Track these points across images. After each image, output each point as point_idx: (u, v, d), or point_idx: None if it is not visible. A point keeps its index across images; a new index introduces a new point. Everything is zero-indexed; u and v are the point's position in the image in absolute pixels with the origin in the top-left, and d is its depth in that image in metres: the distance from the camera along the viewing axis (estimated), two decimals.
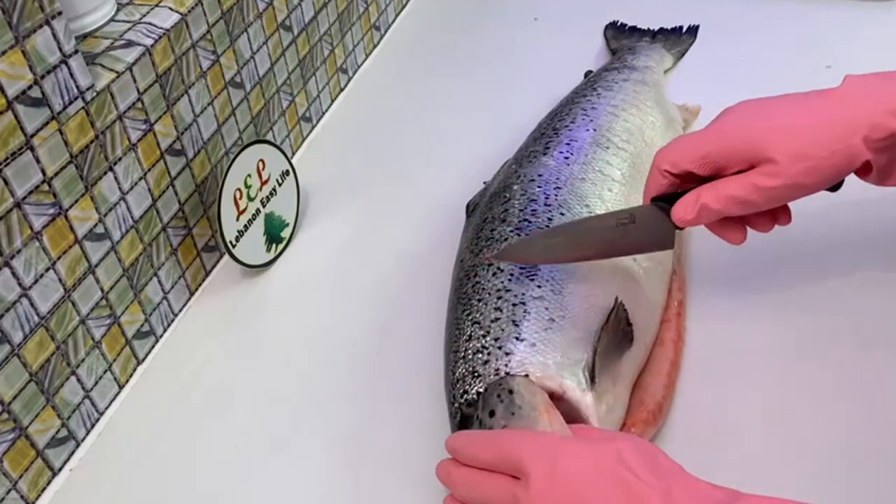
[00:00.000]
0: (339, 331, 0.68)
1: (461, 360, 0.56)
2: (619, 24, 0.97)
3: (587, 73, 0.86)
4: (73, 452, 0.61)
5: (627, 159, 0.69)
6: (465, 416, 0.53)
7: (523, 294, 0.57)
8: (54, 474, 0.60)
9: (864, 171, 0.53)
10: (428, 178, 0.82)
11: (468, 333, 0.56)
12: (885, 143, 0.50)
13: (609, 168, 0.67)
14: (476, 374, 0.54)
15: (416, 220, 0.77)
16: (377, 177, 0.84)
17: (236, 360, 0.68)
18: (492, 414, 0.51)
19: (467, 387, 0.54)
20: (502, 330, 0.55)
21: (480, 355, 0.55)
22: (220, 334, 0.70)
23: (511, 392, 0.51)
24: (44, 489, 0.59)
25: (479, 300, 0.58)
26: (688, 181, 0.55)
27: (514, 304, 0.56)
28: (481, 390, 0.53)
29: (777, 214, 0.56)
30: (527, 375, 0.53)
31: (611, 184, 0.66)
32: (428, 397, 0.61)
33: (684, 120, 0.80)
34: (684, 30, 0.94)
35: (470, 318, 0.57)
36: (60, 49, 0.54)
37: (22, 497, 0.57)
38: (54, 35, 0.53)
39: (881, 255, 0.67)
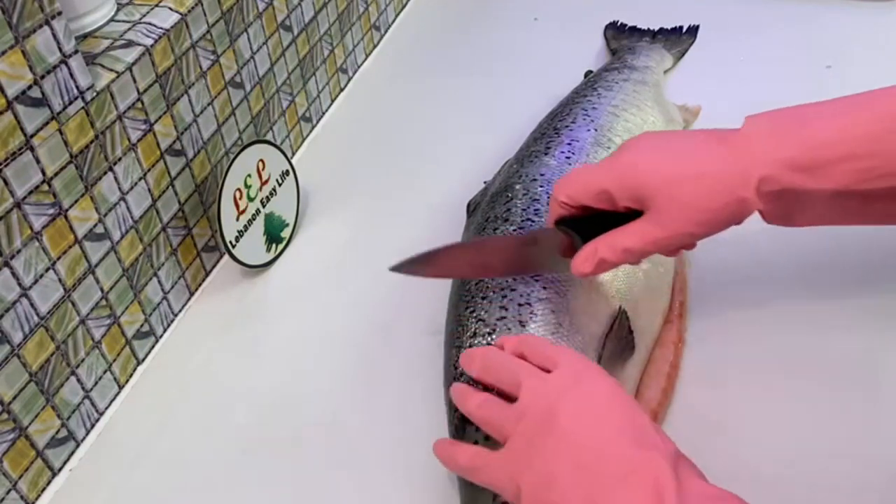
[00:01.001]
0: (339, 331, 0.68)
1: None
2: (619, 24, 0.97)
3: (587, 73, 0.86)
4: (73, 452, 0.61)
5: None
6: (463, 418, 0.53)
7: (529, 294, 0.57)
8: (54, 474, 0.60)
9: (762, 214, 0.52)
10: (428, 178, 0.82)
11: (472, 330, 0.56)
12: (777, 195, 0.49)
13: None
14: None
15: (416, 220, 0.77)
16: (377, 177, 0.84)
17: (236, 360, 0.68)
18: None
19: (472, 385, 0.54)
20: (509, 329, 0.55)
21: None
22: (220, 334, 0.70)
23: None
24: (44, 489, 0.59)
25: (484, 298, 0.58)
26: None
27: (519, 304, 0.56)
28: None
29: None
30: None
31: None
32: (428, 397, 0.61)
33: (684, 120, 0.80)
34: (684, 30, 0.94)
35: (474, 315, 0.57)
36: (60, 49, 0.54)
37: (22, 497, 0.57)
38: (54, 35, 0.53)
39: (883, 257, 0.67)
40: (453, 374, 0.56)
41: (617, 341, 0.55)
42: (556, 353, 0.49)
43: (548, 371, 0.48)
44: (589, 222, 0.54)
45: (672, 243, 0.52)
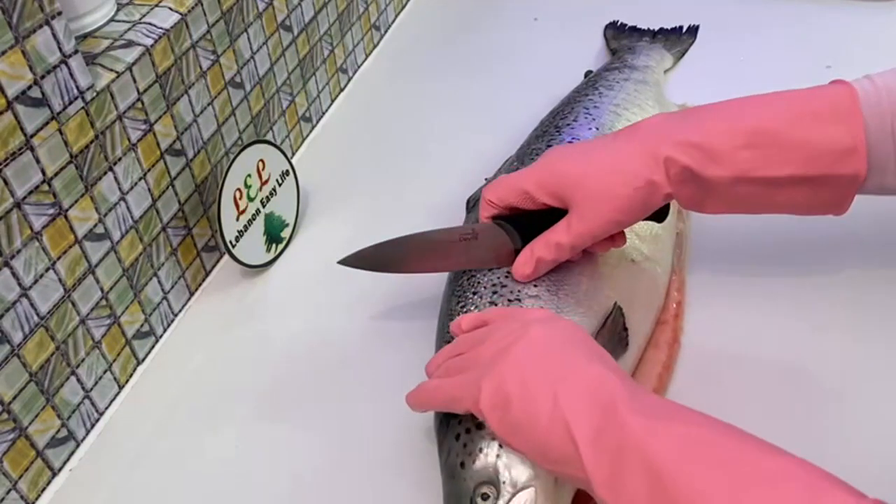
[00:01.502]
0: (339, 330, 0.68)
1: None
2: (619, 24, 0.97)
3: (587, 73, 0.86)
4: (73, 452, 0.61)
5: None
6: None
7: (519, 291, 0.57)
8: (54, 474, 0.60)
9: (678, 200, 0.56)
10: (428, 178, 0.82)
11: None
12: (682, 177, 0.54)
13: None
14: None
15: (416, 220, 0.77)
16: (377, 176, 0.84)
17: (236, 360, 0.68)
18: (479, 426, 0.51)
19: None
20: None
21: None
22: (220, 334, 0.70)
23: None
24: (44, 489, 0.59)
25: (475, 293, 0.58)
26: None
27: (509, 301, 0.57)
28: None
29: (612, 237, 0.58)
30: None
31: None
32: None
33: None
34: (684, 30, 0.94)
35: (465, 310, 0.58)
36: (60, 49, 0.54)
37: (22, 497, 0.57)
38: (54, 35, 0.53)
39: (880, 259, 0.67)
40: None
41: (609, 337, 0.55)
42: (518, 309, 0.54)
43: None
44: (521, 220, 0.59)
45: (599, 232, 0.56)
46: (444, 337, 0.57)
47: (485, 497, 0.47)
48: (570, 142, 0.69)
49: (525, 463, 0.47)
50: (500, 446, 0.48)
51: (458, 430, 0.50)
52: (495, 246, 0.59)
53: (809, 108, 0.53)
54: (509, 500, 0.47)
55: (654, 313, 0.62)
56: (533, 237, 0.58)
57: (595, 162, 0.55)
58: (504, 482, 0.47)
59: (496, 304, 0.57)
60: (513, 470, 0.47)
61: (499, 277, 0.58)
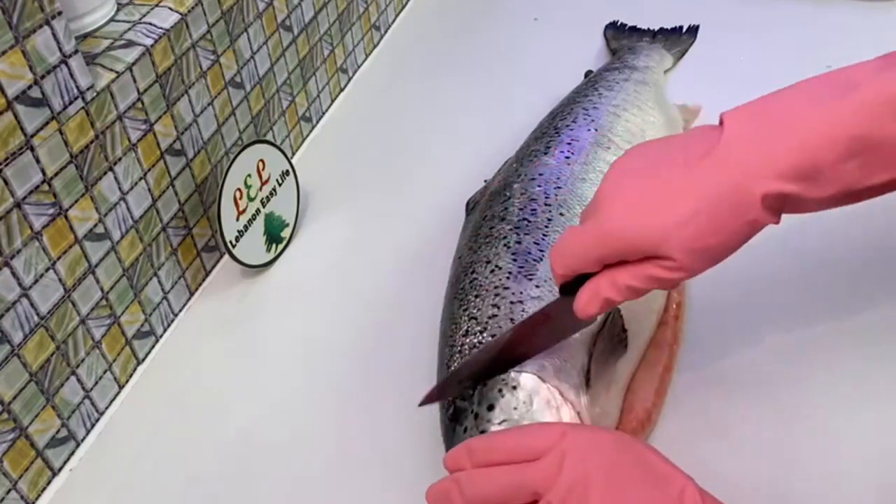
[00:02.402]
0: (339, 330, 0.68)
1: (457, 354, 0.56)
2: (619, 24, 0.97)
3: (587, 73, 0.86)
4: (73, 452, 0.61)
5: None
6: (458, 410, 0.53)
7: (521, 293, 0.57)
8: (54, 474, 0.60)
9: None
10: (428, 178, 0.82)
11: (465, 329, 0.56)
12: (782, 205, 0.46)
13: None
14: None
15: (416, 220, 0.77)
16: (377, 176, 0.84)
17: (236, 360, 0.68)
18: (490, 408, 0.51)
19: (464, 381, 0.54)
20: (500, 327, 0.55)
21: (477, 351, 0.55)
22: (220, 334, 0.70)
23: (515, 388, 0.51)
24: (44, 489, 0.59)
25: (477, 296, 0.58)
26: None
27: (511, 303, 0.56)
28: (480, 385, 0.53)
29: None
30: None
31: None
32: None
33: (685, 120, 0.80)
34: (684, 30, 0.94)
35: (467, 313, 0.57)
36: (60, 49, 0.54)
37: (22, 497, 0.57)
38: (54, 35, 0.53)
39: (883, 259, 0.67)
40: (445, 372, 0.56)
41: (609, 339, 0.55)
42: (522, 438, 0.46)
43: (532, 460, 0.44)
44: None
45: (684, 278, 0.48)
46: (448, 341, 0.57)
47: None
48: (568, 143, 0.69)
49: None
50: None
51: (465, 438, 0.50)
52: (571, 319, 0.50)
53: None
54: None
55: (655, 314, 0.62)
56: None
57: (674, 209, 0.45)
58: None
59: (498, 307, 0.56)
60: None
61: (501, 280, 0.58)
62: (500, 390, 0.51)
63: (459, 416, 0.52)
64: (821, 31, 0.94)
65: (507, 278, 0.58)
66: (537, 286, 0.57)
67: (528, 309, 0.56)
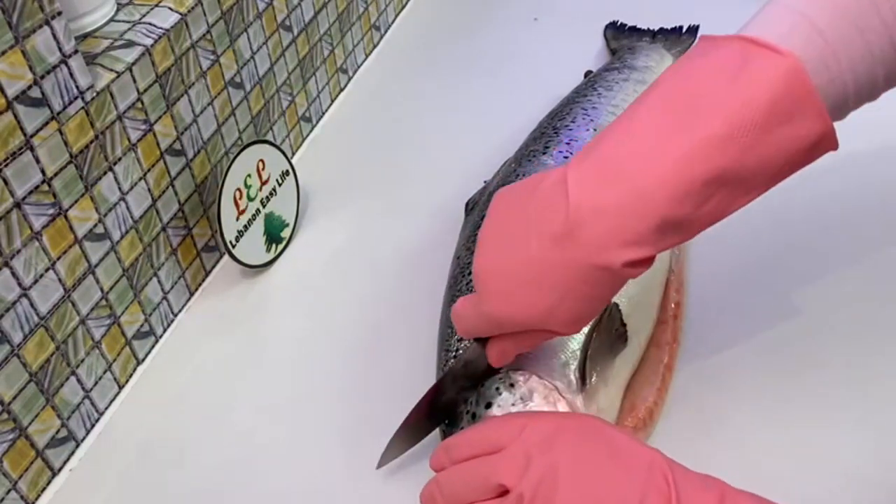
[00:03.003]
0: (339, 331, 0.68)
1: (452, 359, 0.56)
2: (619, 24, 0.97)
3: (587, 73, 0.86)
4: (73, 452, 0.61)
5: None
6: (454, 415, 0.53)
7: None
8: (54, 474, 0.60)
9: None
10: (428, 178, 0.82)
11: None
12: (646, 260, 0.44)
13: None
14: None
15: (416, 220, 0.77)
16: (377, 177, 0.84)
17: (236, 360, 0.68)
18: (488, 405, 0.51)
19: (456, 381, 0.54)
20: None
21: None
22: (220, 334, 0.70)
23: (512, 385, 0.51)
24: (44, 489, 0.59)
25: None
26: None
27: None
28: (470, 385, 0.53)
29: None
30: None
31: None
32: None
33: None
34: (684, 30, 0.94)
35: None
36: (60, 49, 0.54)
37: (22, 497, 0.57)
38: (54, 35, 0.53)
39: (881, 259, 0.67)
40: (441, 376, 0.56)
41: (607, 334, 0.55)
42: (485, 430, 0.47)
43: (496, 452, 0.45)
44: None
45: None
46: (444, 345, 0.57)
47: None
48: (567, 143, 0.69)
49: None
50: None
51: None
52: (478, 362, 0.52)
53: (757, 114, 0.41)
54: None
55: (654, 313, 0.62)
56: None
57: (546, 297, 0.44)
58: None
59: None
60: None
61: None
62: (497, 388, 0.52)
63: (455, 419, 0.53)
64: None
65: None
66: None
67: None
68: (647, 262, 0.44)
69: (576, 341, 0.55)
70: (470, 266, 0.61)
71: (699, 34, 0.94)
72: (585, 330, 0.55)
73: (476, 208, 0.68)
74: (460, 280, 0.60)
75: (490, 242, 0.48)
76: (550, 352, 0.54)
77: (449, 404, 0.55)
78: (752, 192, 0.43)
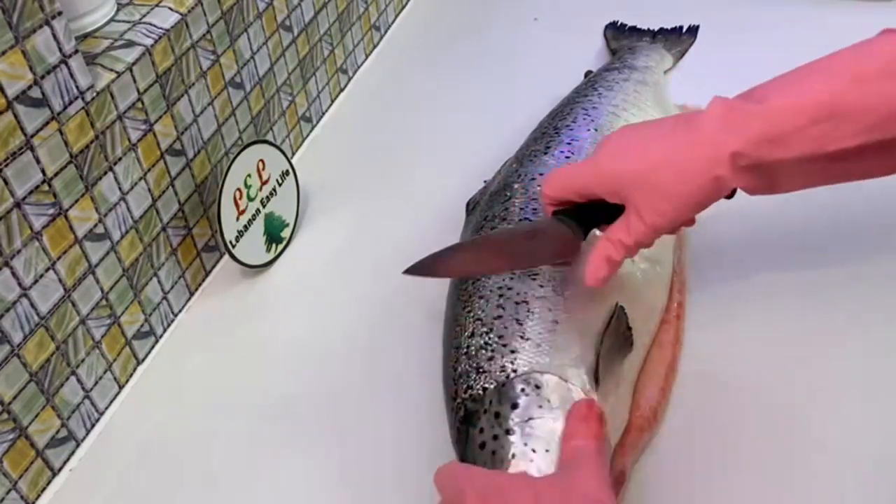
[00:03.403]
0: (339, 331, 0.68)
1: (463, 357, 0.55)
2: (619, 24, 0.97)
3: (587, 73, 0.86)
4: (73, 452, 0.61)
5: None
6: (469, 412, 0.53)
7: (526, 293, 0.57)
8: (54, 474, 0.60)
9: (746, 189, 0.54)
10: (428, 178, 0.82)
11: (470, 330, 0.56)
12: (748, 168, 0.51)
13: None
14: (481, 370, 0.54)
15: (416, 220, 0.77)
16: (377, 176, 0.84)
17: (236, 360, 0.68)
18: (514, 406, 0.51)
19: (472, 382, 0.54)
20: (506, 328, 0.55)
21: (484, 352, 0.55)
22: (221, 334, 0.70)
23: (538, 387, 0.52)
24: (44, 489, 0.59)
25: (481, 297, 0.58)
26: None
27: (516, 303, 0.56)
28: (488, 386, 0.53)
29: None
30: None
31: None
32: (428, 398, 0.61)
33: None
34: (684, 30, 0.94)
35: (471, 314, 0.57)
36: (60, 49, 0.54)
37: (22, 497, 0.57)
38: (54, 35, 0.53)
39: (884, 257, 0.67)
40: (452, 375, 0.56)
41: (615, 338, 0.55)
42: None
43: None
44: (583, 211, 0.57)
45: (661, 231, 0.54)
46: (453, 343, 0.57)
47: None
48: (568, 143, 0.69)
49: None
50: (534, 450, 0.49)
51: (482, 439, 0.50)
52: (557, 241, 0.57)
53: (871, 67, 0.50)
54: None
55: (658, 314, 0.62)
56: (594, 226, 0.57)
57: (654, 156, 0.52)
58: None
59: (503, 308, 0.56)
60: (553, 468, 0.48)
61: (504, 280, 0.58)
62: (522, 389, 0.52)
63: (472, 418, 0.52)
64: (821, 31, 0.93)
65: (511, 279, 0.58)
66: (541, 285, 0.57)
67: (533, 308, 0.56)
68: (749, 168, 0.51)
69: (587, 343, 0.55)
70: None
71: (699, 34, 0.94)
72: (597, 333, 0.55)
73: (477, 208, 0.68)
74: (465, 281, 0.60)
75: (619, 130, 0.57)
76: (566, 354, 0.54)
77: (498, 264, 0.58)
78: (851, 138, 0.49)
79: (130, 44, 0.62)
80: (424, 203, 0.78)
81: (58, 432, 0.59)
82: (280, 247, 0.77)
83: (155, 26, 0.64)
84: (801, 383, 0.58)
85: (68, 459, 0.61)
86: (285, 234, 0.77)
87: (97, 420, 0.64)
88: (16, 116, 0.51)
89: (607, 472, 0.48)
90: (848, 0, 0.97)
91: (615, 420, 0.53)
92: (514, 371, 0.53)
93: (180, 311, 0.72)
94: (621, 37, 0.94)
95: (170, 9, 0.65)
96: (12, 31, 0.50)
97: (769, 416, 0.57)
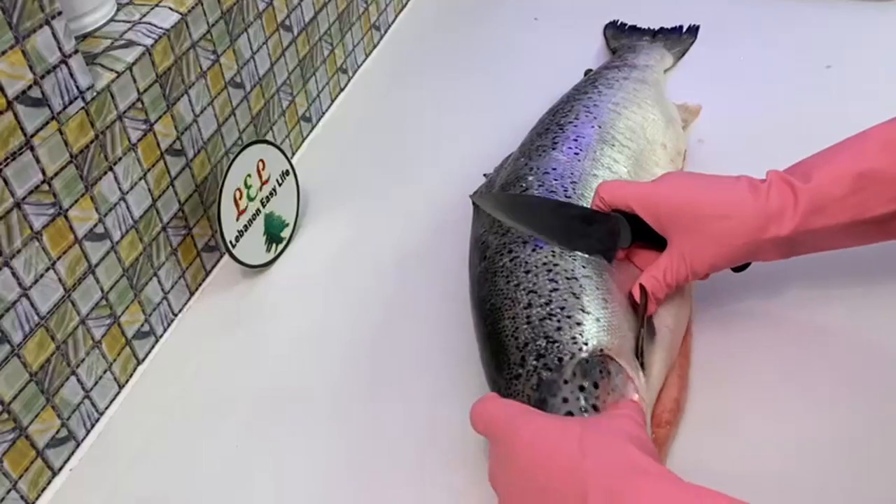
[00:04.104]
0: (339, 330, 0.68)
1: (525, 326, 0.55)
2: (619, 23, 0.97)
3: (587, 72, 0.86)
4: (73, 452, 0.61)
5: (632, 156, 0.69)
6: (546, 381, 0.53)
7: (572, 270, 0.58)
8: (54, 474, 0.60)
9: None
10: (428, 178, 0.82)
11: (526, 301, 0.56)
12: (790, 241, 0.55)
13: (616, 165, 0.68)
14: (551, 340, 0.54)
15: (416, 220, 0.77)
16: (377, 176, 0.84)
17: (236, 360, 0.68)
18: (596, 386, 0.51)
19: (544, 351, 0.54)
20: (565, 300, 0.56)
21: (550, 322, 0.55)
22: (220, 334, 0.70)
23: (609, 374, 0.52)
24: (44, 489, 0.59)
25: (527, 272, 0.58)
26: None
27: (567, 278, 0.57)
28: (563, 356, 0.53)
29: None
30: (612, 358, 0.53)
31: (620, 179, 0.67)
32: (430, 397, 0.61)
33: (684, 119, 0.80)
34: (684, 30, 0.94)
35: (522, 287, 0.57)
36: (60, 49, 0.54)
37: (22, 497, 0.57)
38: (54, 35, 0.53)
39: (883, 257, 0.67)
40: (514, 343, 0.55)
41: (647, 326, 0.56)
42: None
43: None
44: (632, 220, 0.60)
45: (696, 277, 0.58)
46: (507, 313, 0.57)
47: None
48: (574, 140, 0.70)
49: None
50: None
51: (569, 409, 0.51)
52: (612, 235, 0.60)
53: None
54: None
55: (686, 310, 0.62)
56: (642, 236, 0.59)
57: (713, 206, 0.56)
58: None
59: (556, 281, 0.57)
60: None
61: (547, 257, 0.59)
62: (600, 371, 0.52)
63: (551, 387, 0.52)
64: (821, 31, 0.94)
65: (553, 256, 0.59)
66: (584, 266, 0.58)
67: (584, 285, 0.57)
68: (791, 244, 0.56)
69: (628, 325, 0.56)
70: (507, 245, 0.61)
71: (699, 34, 0.94)
72: (635, 322, 0.56)
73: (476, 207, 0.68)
74: (498, 259, 0.60)
75: (688, 173, 0.63)
76: (618, 332, 0.55)
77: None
78: (889, 204, 0.53)
79: (130, 44, 0.62)
80: (424, 203, 0.78)
81: (58, 432, 0.59)
82: (280, 247, 0.77)
83: (155, 26, 0.64)
84: (808, 382, 0.58)
85: (68, 459, 0.61)
86: (285, 234, 0.77)
87: (97, 420, 0.64)
88: (16, 116, 0.51)
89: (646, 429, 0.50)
90: (848, 0, 0.97)
91: (648, 410, 0.54)
92: (585, 343, 0.53)
93: (180, 311, 0.72)
94: (621, 36, 0.94)
95: (170, 9, 0.65)
96: (12, 31, 0.50)
97: (776, 413, 0.57)
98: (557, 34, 1.01)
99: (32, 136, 0.53)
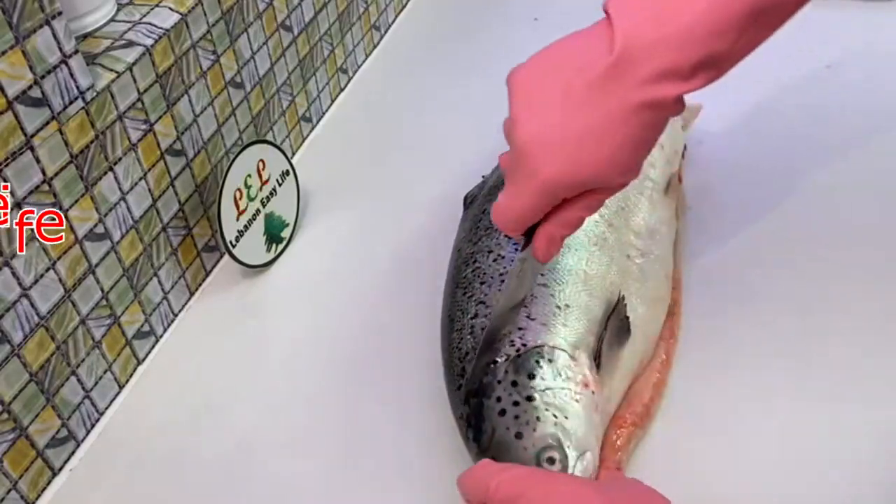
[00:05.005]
0: (340, 330, 0.68)
1: (468, 336, 0.56)
2: None
3: None
4: (73, 452, 0.61)
5: None
6: (482, 385, 0.53)
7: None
8: (54, 474, 0.60)
9: None
10: (428, 179, 0.82)
11: (473, 312, 0.57)
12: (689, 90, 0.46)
13: None
14: (488, 346, 0.54)
15: (416, 220, 0.77)
16: (377, 176, 0.84)
17: (236, 360, 0.68)
18: (531, 376, 0.52)
19: (481, 357, 0.54)
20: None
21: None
22: (220, 334, 0.70)
23: (552, 360, 0.53)
24: (44, 489, 0.59)
25: (482, 283, 0.59)
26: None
27: None
28: (498, 359, 0.53)
29: None
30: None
31: None
32: (428, 396, 0.61)
33: (684, 119, 0.80)
34: None
35: (473, 299, 0.58)
36: (60, 49, 0.54)
37: (22, 497, 0.57)
38: (54, 35, 0.53)
39: (879, 254, 0.67)
40: (457, 355, 0.56)
41: (615, 324, 0.56)
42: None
43: None
44: None
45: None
46: (454, 325, 0.57)
47: (551, 461, 0.49)
48: None
49: (586, 427, 0.50)
50: (555, 416, 0.50)
51: (502, 406, 0.51)
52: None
53: None
54: (576, 461, 0.49)
55: (660, 303, 0.62)
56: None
57: (604, 149, 0.44)
58: (569, 446, 0.49)
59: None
60: (576, 433, 0.50)
61: (505, 268, 0.59)
62: (537, 361, 0.52)
63: (486, 390, 0.52)
64: (821, 31, 0.94)
65: (506, 268, 0.59)
66: (542, 274, 0.58)
67: (537, 295, 0.57)
68: (682, 102, 0.45)
69: (588, 329, 0.55)
70: (474, 255, 0.61)
71: None
72: (598, 319, 0.56)
73: (475, 202, 0.68)
74: (464, 269, 0.61)
75: (527, 112, 0.46)
76: (571, 333, 0.55)
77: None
78: (780, 21, 0.47)
79: (130, 44, 0.62)
80: (424, 203, 0.78)
81: (58, 432, 0.59)
82: (280, 247, 0.77)
83: (155, 26, 0.64)
84: (798, 381, 0.58)
85: (68, 459, 0.61)
86: (285, 234, 0.77)
87: (97, 420, 0.64)
88: (16, 116, 0.51)
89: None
90: (848, 0, 0.97)
91: (609, 408, 0.54)
92: (524, 345, 0.53)
93: (180, 311, 0.72)
94: None
95: (170, 9, 0.65)
96: (12, 31, 0.50)
97: (764, 413, 0.57)
98: (557, 34, 1.01)
99: (32, 136, 0.53)
